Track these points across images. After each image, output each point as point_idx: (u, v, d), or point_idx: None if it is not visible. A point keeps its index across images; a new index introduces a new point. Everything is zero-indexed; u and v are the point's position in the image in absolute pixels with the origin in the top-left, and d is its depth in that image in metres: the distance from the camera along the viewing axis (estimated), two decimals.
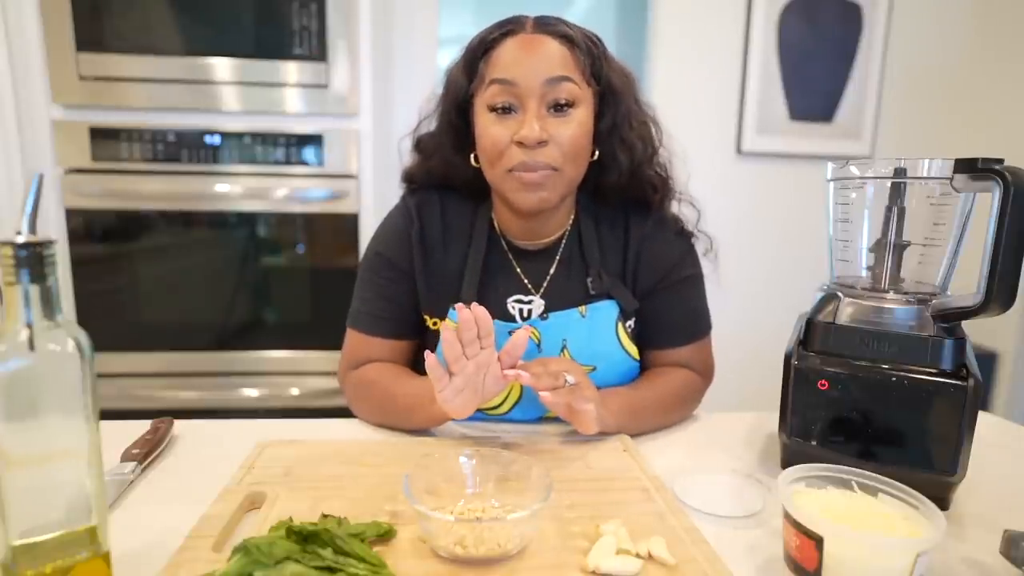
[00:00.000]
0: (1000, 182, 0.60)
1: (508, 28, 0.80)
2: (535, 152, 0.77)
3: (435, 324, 0.88)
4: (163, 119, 1.53)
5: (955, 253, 0.70)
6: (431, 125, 0.90)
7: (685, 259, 0.90)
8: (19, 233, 0.42)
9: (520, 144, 0.77)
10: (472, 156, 0.85)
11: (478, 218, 0.90)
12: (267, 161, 1.58)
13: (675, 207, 0.93)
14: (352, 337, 0.90)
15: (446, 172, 0.90)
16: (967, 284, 0.66)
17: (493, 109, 0.79)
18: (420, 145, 0.92)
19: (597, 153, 0.85)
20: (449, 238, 0.89)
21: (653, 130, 0.89)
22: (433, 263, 0.88)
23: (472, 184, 0.88)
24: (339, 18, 1.53)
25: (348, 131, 1.59)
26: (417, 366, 0.91)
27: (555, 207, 0.85)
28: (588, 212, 0.90)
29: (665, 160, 0.90)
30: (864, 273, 0.74)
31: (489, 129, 0.79)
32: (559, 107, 0.78)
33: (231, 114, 1.56)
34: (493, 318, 0.84)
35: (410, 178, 0.94)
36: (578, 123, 0.79)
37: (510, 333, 0.84)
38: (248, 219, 1.60)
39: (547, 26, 0.80)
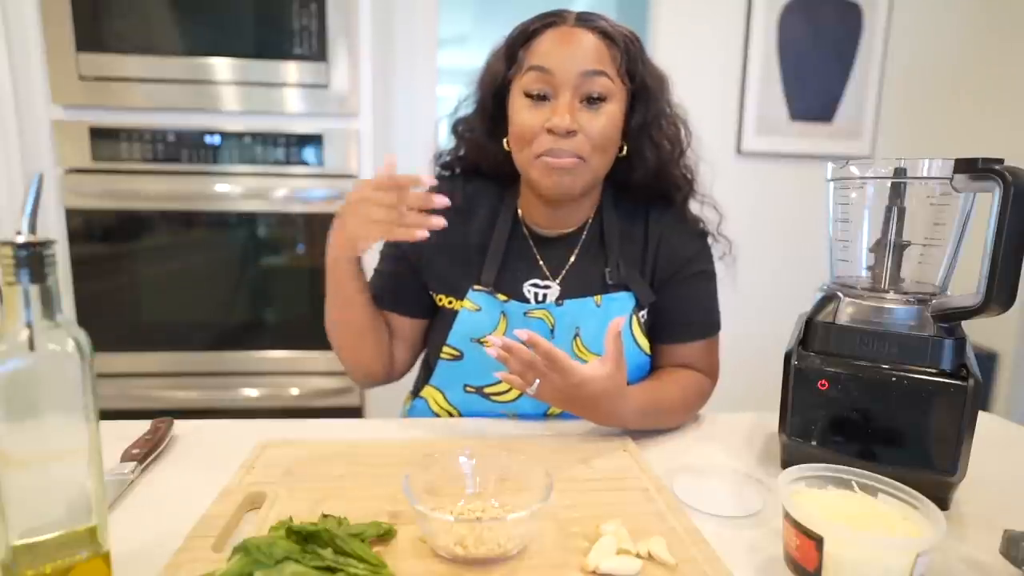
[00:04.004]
0: (1000, 182, 0.60)
1: (550, 20, 0.83)
2: (564, 141, 0.80)
3: (451, 303, 0.90)
4: (163, 119, 1.53)
5: (955, 253, 0.70)
6: (468, 109, 0.93)
7: (700, 255, 0.92)
8: (19, 233, 0.42)
9: (550, 132, 0.79)
10: (504, 141, 0.88)
11: (503, 204, 0.92)
12: (267, 161, 1.58)
13: (697, 209, 0.95)
14: None
15: (477, 156, 0.93)
16: (967, 284, 0.66)
17: (528, 95, 0.82)
18: (456, 128, 0.95)
19: (626, 149, 0.87)
20: (472, 223, 0.91)
21: (683, 132, 0.91)
22: (454, 244, 0.90)
23: (501, 169, 0.91)
24: (339, 18, 1.53)
25: (348, 131, 1.59)
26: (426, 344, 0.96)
27: (580, 196, 0.88)
28: (610, 204, 0.92)
29: (692, 162, 0.93)
30: (864, 273, 0.74)
31: (522, 113, 0.82)
32: (592, 100, 0.81)
33: (231, 114, 1.56)
34: (509, 299, 0.86)
35: (440, 157, 0.98)
36: (608, 117, 0.81)
37: (526, 315, 0.85)
38: (248, 219, 1.60)
39: (588, 21, 0.82)
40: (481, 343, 0.86)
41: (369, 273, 0.91)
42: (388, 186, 0.72)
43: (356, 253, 0.80)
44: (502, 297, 0.87)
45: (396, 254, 0.93)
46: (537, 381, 0.70)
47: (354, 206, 0.75)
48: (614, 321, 0.70)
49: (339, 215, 0.78)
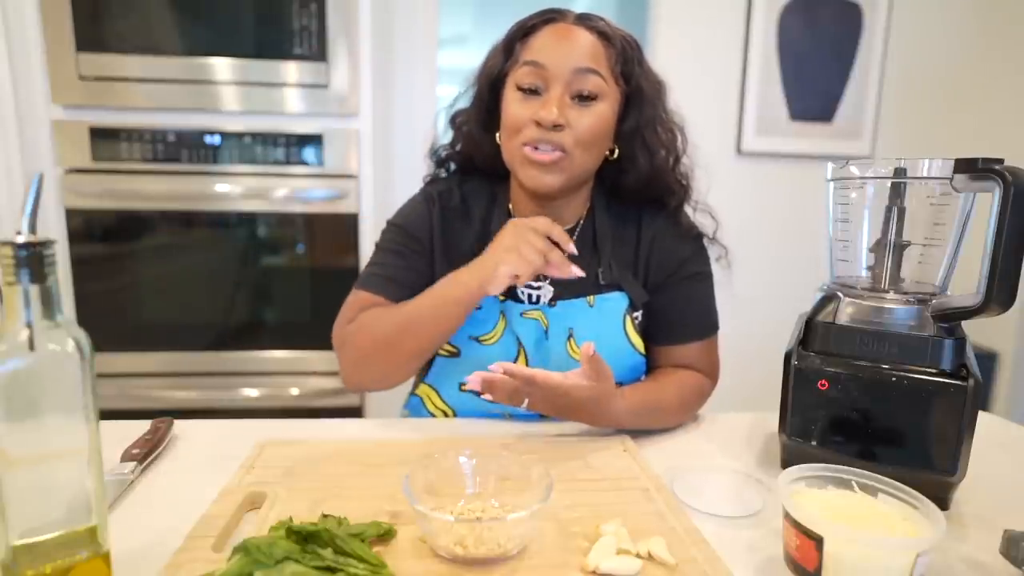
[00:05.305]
0: (1000, 182, 0.60)
1: (549, 16, 0.84)
2: (550, 134, 0.80)
3: None
4: (163, 119, 1.53)
5: (955, 253, 0.70)
6: (466, 102, 0.94)
7: (696, 256, 0.92)
8: (19, 233, 0.42)
9: (537, 124, 0.80)
10: (498, 135, 0.88)
11: (496, 205, 0.92)
12: (267, 161, 1.58)
13: (693, 216, 0.94)
14: (357, 296, 0.88)
15: (471, 148, 0.94)
16: (967, 284, 0.66)
17: (521, 88, 0.82)
18: (454, 120, 0.96)
19: (617, 152, 0.87)
20: (467, 225, 0.92)
21: (678, 139, 0.91)
22: (451, 248, 0.90)
23: (494, 164, 0.91)
24: (339, 18, 1.53)
25: (348, 131, 1.59)
26: None
27: (568, 194, 0.88)
28: (603, 205, 0.92)
29: (687, 169, 0.92)
30: (864, 273, 0.74)
31: (513, 105, 0.83)
32: (583, 98, 0.81)
33: (231, 114, 1.56)
34: (503, 300, 0.86)
35: (436, 152, 0.98)
36: (597, 116, 0.82)
37: (522, 315, 0.85)
38: (248, 219, 1.60)
39: (586, 21, 0.83)
40: (468, 383, 0.82)
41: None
42: (545, 232, 0.79)
43: (495, 288, 0.79)
44: (500, 296, 0.87)
45: (403, 239, 0.90)
46: (527, 399, 0.72)
47: (520, 244, 0.78)
48: (586, 345, 0.71)
49: (509, 250, 0.78)
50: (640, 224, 0.91)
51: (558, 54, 0.80)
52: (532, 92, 0.82)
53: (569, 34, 0.82)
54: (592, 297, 0.87)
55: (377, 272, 0.89)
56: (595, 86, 0.81)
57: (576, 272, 0.80)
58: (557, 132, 0.80)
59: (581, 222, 0.92)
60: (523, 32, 0.85)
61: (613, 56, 0.82)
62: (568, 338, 0.86)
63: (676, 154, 0.90)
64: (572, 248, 0.81)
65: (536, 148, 0.81)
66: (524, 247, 0.77)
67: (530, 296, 0.89)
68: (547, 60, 0.80)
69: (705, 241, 0.94)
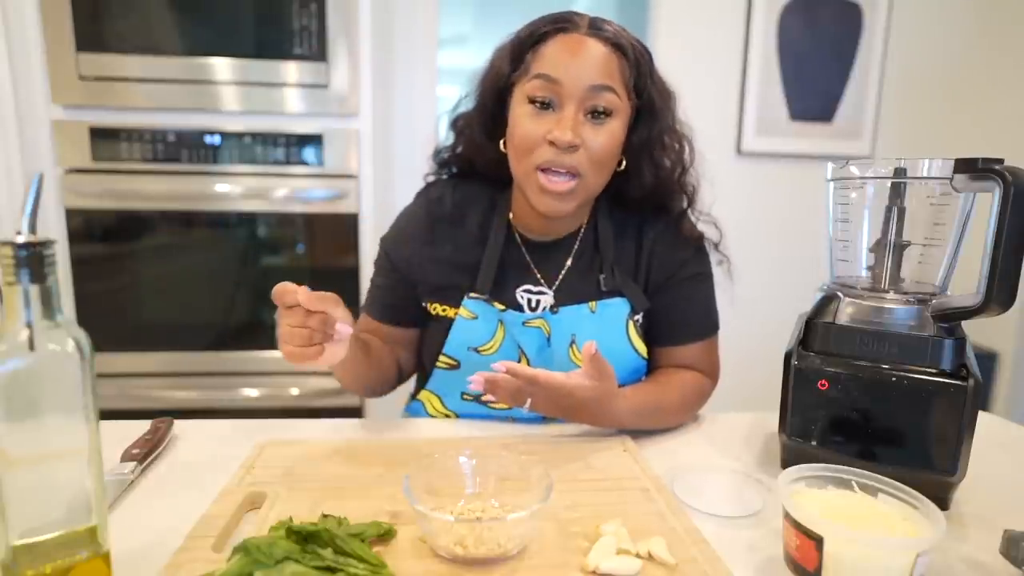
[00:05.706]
0: (1000, 182, 0.60)
1: (562, 24, 0.80)
2: (564, 155, 0.78)
3: (444, 311, 0.89)
4: (163, 119, 1.53)
5: (955, 253, 0.70)
6: (469, 105, 0.91)
7: (696, 257, 0.91)
8: (19, 233, 0.42)
9: (551, 144, 0.78)
10: (501, 143, 0.86)
11: (495, 213, 0.91)
12: (267, 161, 1.58)
13: (696, 224, 0.93)
14: (362, 318, 0.96)
15: (472, 153, 0.92)
16: (967, 284, 0.66)
17: (532, 101, 0.79)
18: (456, 123, 0.93)
19: (624, 164, 0.86)
20: (462, 230, 0.90)
21: (686, 151, 0.89)
22: (445, 253, 0.89)
23: (495, 170, 0.89)
24: (339, 18, 1.53)
25: (348, 131, 1.59)
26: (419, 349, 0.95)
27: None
28: (605, 212, 0.91)
29: (693, 180, 0.91)
30: (864, 273, 0.74)
31: (524, 121, 0.80)
32: (596, 114, 0.79)
33: (231, 114, 1.56)
34: (504, 308, 0.86)
35: (439, 154, 0.97)
36: (611, 133, 0.80)
37: (524, 324, 0.85)
38: (248, 219, 1.60)
39: (600, 31, 0.79)
40: (471, 384, 0.84)
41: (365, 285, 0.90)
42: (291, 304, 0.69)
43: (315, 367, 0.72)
44: (499, 306, 0.86)
45: (388, 265, 0.92)
46: (529, 400, 0.72)
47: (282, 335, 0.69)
48: (588, 344, 0.71)
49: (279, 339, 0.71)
50: (641, 230, 0.90)
51: (572, 69, 0.77)
52: (544, 106, 0.79)
53: (583, 47, 0.78)
54: (594, 303, 0.87)
55: (372, 295, 0.95)
56: (609, 103, 0.78)
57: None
58: (572, 153, 0.78)
59: (583, 228, 0.91)
60: (533, 40, 0.80)
61: (627, 70, 0.80)
62: (571, 344, 0.86)
63: (683, 165, 0.89)
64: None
65: (550, 174, 0.79)
66: (285, 341, 0.70)
67: (529, 301, 0.88)
68: (561, 75, 0.77)
69: (707, 245, 0.93)
